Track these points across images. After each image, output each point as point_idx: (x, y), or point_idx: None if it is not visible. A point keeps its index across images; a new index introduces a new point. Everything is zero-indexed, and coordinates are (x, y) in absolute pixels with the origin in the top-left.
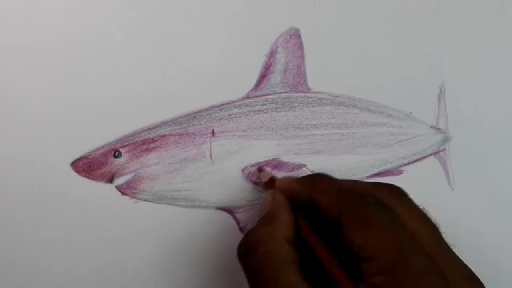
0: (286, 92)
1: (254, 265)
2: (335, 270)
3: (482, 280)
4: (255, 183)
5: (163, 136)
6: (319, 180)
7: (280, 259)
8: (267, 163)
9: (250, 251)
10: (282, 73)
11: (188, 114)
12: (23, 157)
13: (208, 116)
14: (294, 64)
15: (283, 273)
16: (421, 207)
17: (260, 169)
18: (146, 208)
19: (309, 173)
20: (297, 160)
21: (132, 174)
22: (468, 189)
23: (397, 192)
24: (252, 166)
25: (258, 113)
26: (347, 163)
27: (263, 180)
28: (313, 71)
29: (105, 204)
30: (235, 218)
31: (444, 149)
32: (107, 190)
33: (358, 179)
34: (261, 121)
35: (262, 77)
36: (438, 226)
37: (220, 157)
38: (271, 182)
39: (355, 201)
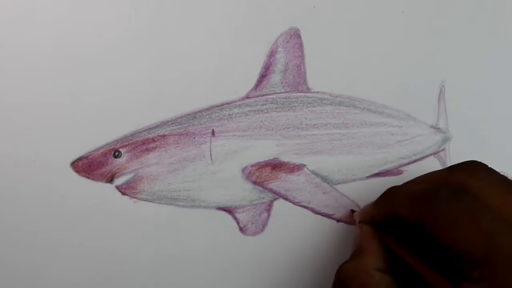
0: (286, 92)
1: None
2: (432, 279)
3: None
4: (255, 183)
5: (163, 136)
6: (391, 196)
7: (374, 287)
8: (267, 163)
9: (344, 287)
10: (282, 73)
11: (188, 114)
12: (23, 157)
13: (208, 116)
14: (294, 64)
15: None
16: (502, 173)
17: (352, 210)
18: (146, 208)
19: (309, 173)
20: (297, 160)
21: (132, 174)
22: None
23: (474, 169)
24: (252, 166)
25: (258, 113)
26: (347, 163)
27: (356, 220)
28: (313, 71)
29: (105, 204)
30: (235, 218)
31: (444, 149)
32: (107, 190)
33: (410, 180)
34: (261, 121)
35: (262, 77)
36: None
37: (220, 157)
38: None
39: (430, 202)
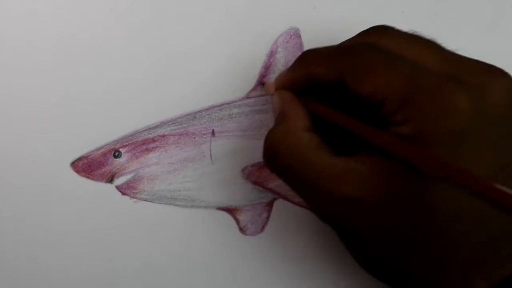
0: None
1: (282, 165)
2: (360, 127)
3: None
4: (255, 183)
5: (163, 136)
6: (306, 57)
7: (304, 148)
8: None
9: (272, 153)
10: None
11: (188, 114)
12: (23, 157)
13: (208, 116)
14: None
15: (312, 158)
16: (411, 31)
17: (262, 83)
18: (146, 208)
19: None
20: None
21: (132, 174)
22: None
23: (382, 29)
24: (252, 166)
25: (258, 113)
26: None
27: (270, 92)
28: None
29: (105, 204)
30: (235, 218)
31: None
32: (107, 190)
33: None
34: (261, 121)
35: (262, 77)
36: (434, 40)
37: (220, 157)
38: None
39: (345, 55)
